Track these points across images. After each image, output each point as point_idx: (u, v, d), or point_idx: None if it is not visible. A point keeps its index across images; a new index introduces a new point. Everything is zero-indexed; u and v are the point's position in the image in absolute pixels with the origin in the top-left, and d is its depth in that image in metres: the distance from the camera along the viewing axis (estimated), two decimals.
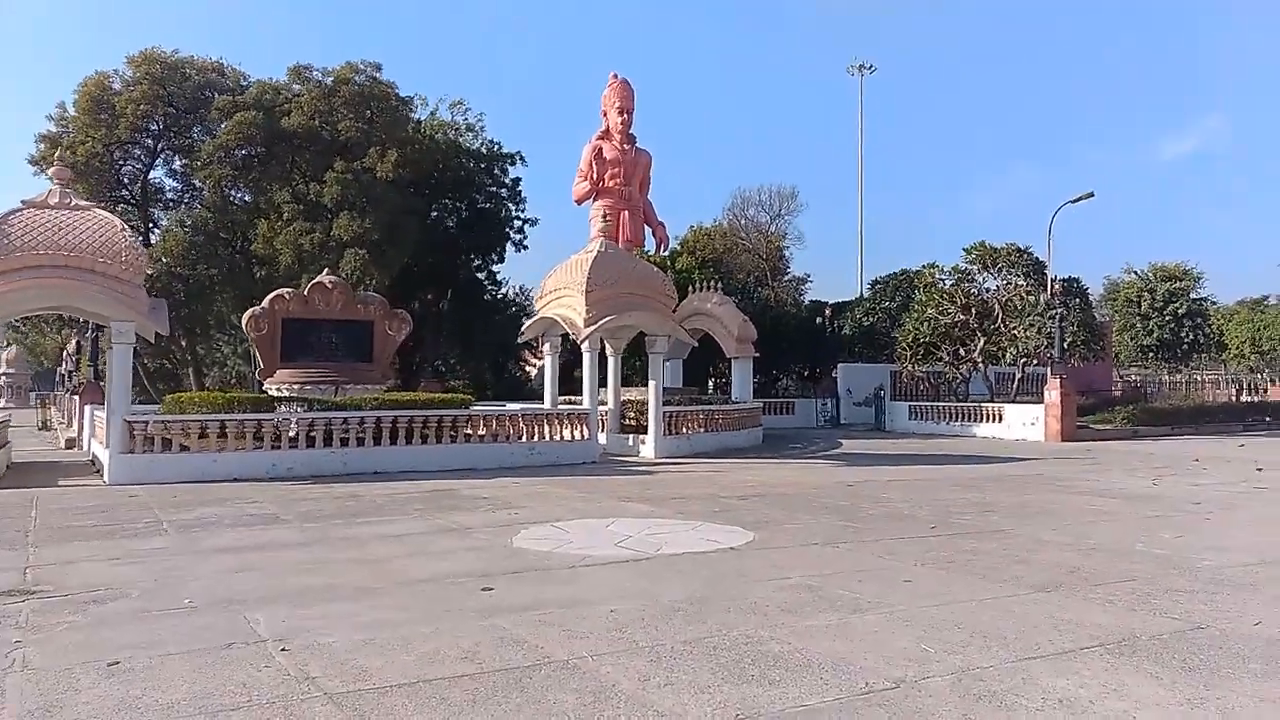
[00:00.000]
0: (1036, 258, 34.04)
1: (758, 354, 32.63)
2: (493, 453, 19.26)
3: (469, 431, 19.82)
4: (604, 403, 24.44)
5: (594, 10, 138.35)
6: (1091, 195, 32.75)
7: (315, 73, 32.76)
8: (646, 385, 35.43)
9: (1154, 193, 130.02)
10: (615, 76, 58.68)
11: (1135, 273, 60.17)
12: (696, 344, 33.07)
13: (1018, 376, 35.01)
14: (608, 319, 20.91)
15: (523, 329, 23.46)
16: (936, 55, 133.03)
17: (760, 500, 14.13)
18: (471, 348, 42.42)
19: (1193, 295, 58.82)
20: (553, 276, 22.58)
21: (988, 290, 34.87)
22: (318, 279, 22.70)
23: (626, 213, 57.44)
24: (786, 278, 53.17)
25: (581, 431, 20.79)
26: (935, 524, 11.78)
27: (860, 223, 58.15)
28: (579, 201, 59.58)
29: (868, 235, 60.54)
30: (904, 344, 36.12)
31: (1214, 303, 63.95)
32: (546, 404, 22.91)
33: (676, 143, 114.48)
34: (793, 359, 44.99)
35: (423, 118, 43.60)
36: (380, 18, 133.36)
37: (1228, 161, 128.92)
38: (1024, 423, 31.06)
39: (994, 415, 32.34)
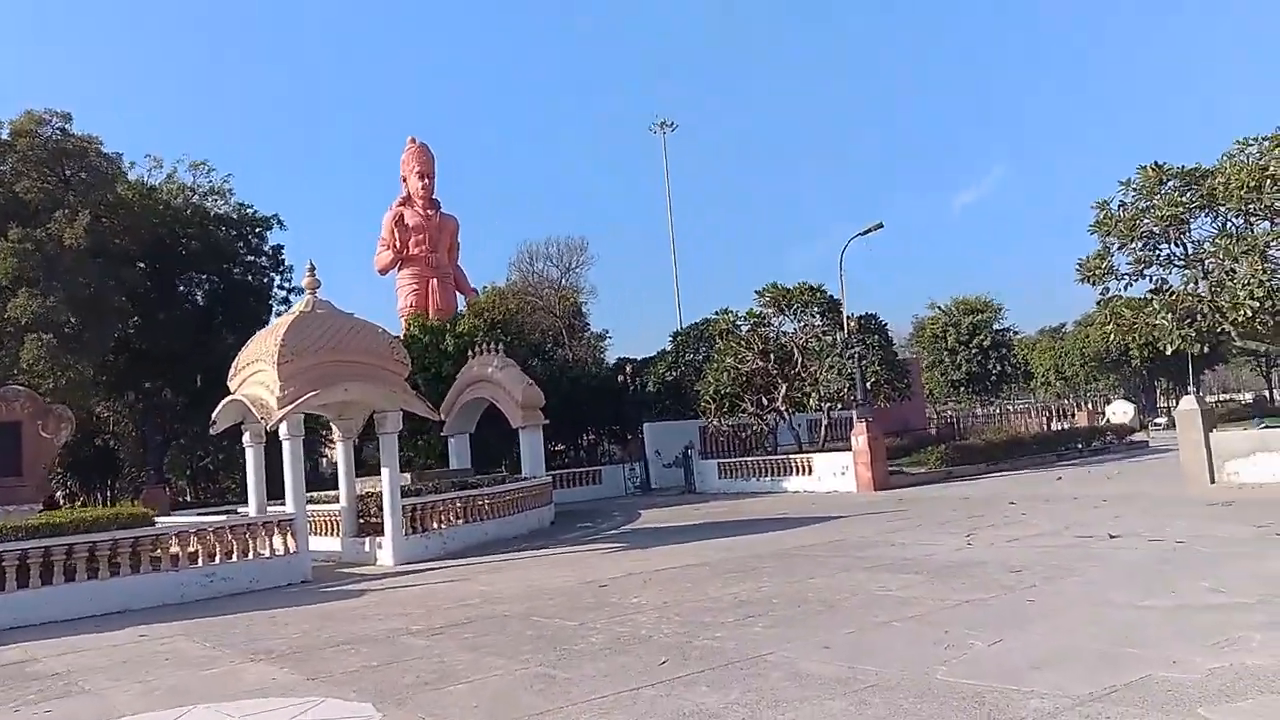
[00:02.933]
0: (831, 296, 31.95)
1: (548, 420, 28.94)
2: (155, 586, 14.63)
3: (156, 555, 15.17)
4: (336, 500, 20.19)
5: (373, 64, 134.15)
6: (880, 226, 31.04)
7: None
8: (424, 470, 31.54)
9: (950, 238, 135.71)
10: (414, 141, 54.80)
11: (939, 307, 60.14)
12: (450, 418, 29.25)
13: (824, 423, 32.67)
14: (307, 396, 16.70)
15: (212, 418, 18.91)
16: (739, 113, 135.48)
17: (461, 630, 10.29)
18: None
19: (996, 326, 59.17)
20: (246, 349, 18.29)
21: (785, 333, 32.52)
22: None
23: (435, 280, 53.36)
24: (585, 335, 49.96)
25: (286, 544, 16.40)
26: (670, 653, 8.25)
27: (675, 278, 55.74)
28: (383, 271, 54.99)
29: (679, 291, 58.86)
30: (706, 397, 33.26)
31: (1017, 333, 64.87)
32: (251, 510, 18.39)
33: (468, 204, 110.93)
34: (596, 422, 41.61)
35: (157, 181, 38.38)
36: (142, 68, 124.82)
37: (1014, 206, 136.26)
38: (834, 473, 28.49)
39: (804, 467, 29.71)
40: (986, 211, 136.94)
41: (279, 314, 38.45)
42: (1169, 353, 22.97)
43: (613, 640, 9.08)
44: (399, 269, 52.60)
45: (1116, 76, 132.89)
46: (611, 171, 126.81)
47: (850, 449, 28.05)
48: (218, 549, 15.57)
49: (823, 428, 33.37)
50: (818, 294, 31.73)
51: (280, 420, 16.49)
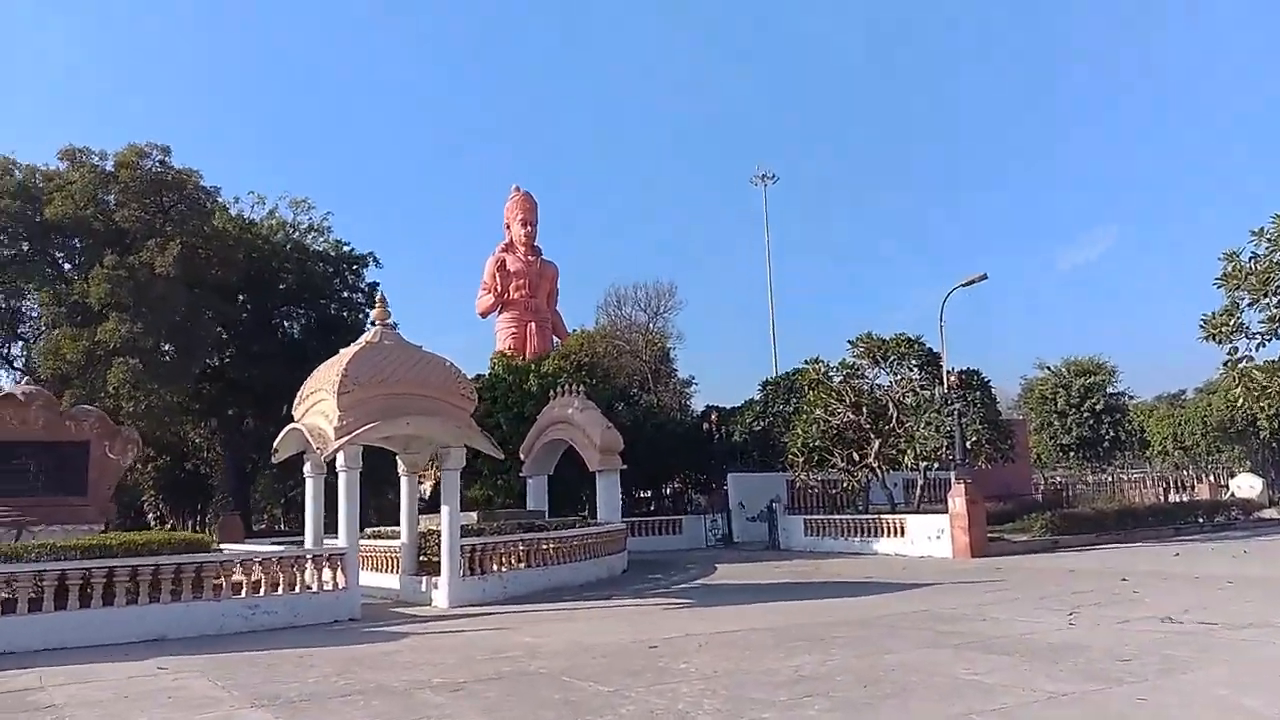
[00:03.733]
0: (930, 349, 30.23)
1: (625, 466, 27.95)
2: (193, 616, 14.07)
3: (218, 582, 14.71)
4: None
5: (476, 116, 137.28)
6: (984, 278, 29.31)
7: (93, 156, 28.08)
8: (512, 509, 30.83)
9: (1058, 300, 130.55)
10: (517, 189, 55.59)
11: (1048, 368, 57.35)
12: (518, 459, 28.44)
13: (920, 482, 30.83)
14: (367, 427, 16.09)
15: (274, 446, 18.51)
16: (840, 164, 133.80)
17: (486, 688, 9.31)
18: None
19: (1109, 390, 56.02)
20: (312, 377, 17.86)
21: (880, 386, 30.91)
22: (7, 390, 17.62)
23: (534, 325, 53.67)
24: (672, 381, 48.94)
25: (335, 579, 15.72)
26: None
27: (772, 327, 54.79)
28: (483, 315, 55.62)
29: (775, 340, 57.82)
30: (794, 449, 31.80)
31: (1132, 398, 61.33)
32: (308, 541, 17.86)
33: (567, 251, 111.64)
34: (680, 470, 40.43)
35: (259, 217, 39.24)
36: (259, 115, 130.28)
37: (1126, 266, 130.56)
38: (928, 536, 26.67)
39: (895, 529, 27.94)
40: (1098, 271, 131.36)
41: None
42: None
43: (644, 714, 7.95)
44: (499, 313, 53.23)
45: (1241, 122, 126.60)
46: (705, 218, 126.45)
47: (947, 511, 26.27)
48: (263, 581, 14.98)
49: (918, 488, 31.54)
50: (915, 346, 30.06)
51: (336, 451, 15.91)
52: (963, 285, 29.72)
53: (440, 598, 17.46)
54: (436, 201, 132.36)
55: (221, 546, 20.35)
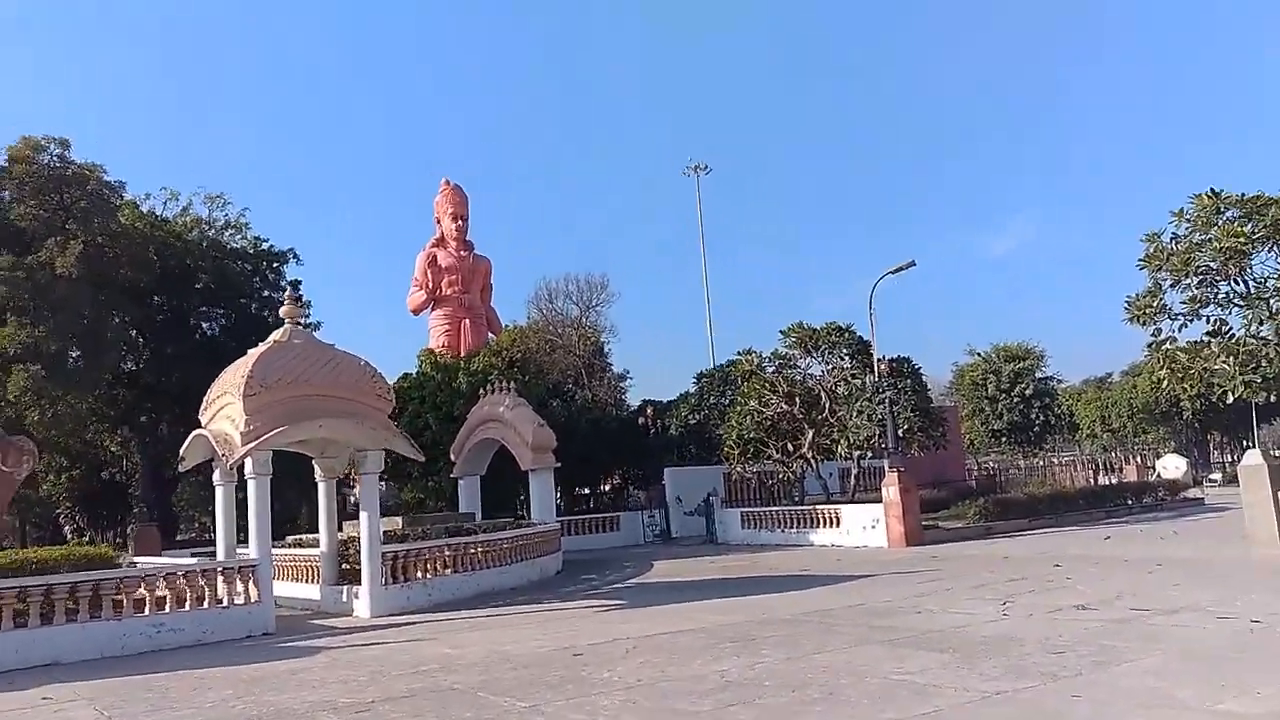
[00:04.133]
0: (861, 338, 30.15)
1: (559, 464, 27.37)
2: (91, 637, 13.19)
3: (118, 599, 13.78)
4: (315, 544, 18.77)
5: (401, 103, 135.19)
6: (913, 264, 29.26)
7: None
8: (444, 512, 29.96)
9: (988, 285, 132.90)
10: (448, 182, 54.35)
11: (978, 354, 57.97)
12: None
13: (854, 471, 30.76)
14: (275, 432, 15.30)
15: (180, 454, 17.59)
16: (768, 155, 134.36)
17: (393, 709, 8.72)
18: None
19: (1038, 375, 56.81)
20: (218, 380, 16.97)
21: (812, 376, 30.75)
22: None
23: (468, 321, 52.48)
24: (606, 375, 48.39)
25: (247, 591, 14.91)
26: None
27: (709, 319, 54.71)
28: (415, 312, 54.27)
29: (711, 333, 57.50)
30: (729, 442, 31.50)
31: (1060, 382, 62.33)
32: (220, 553, 17.00)
33: (495, 241, 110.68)
34: (617, 466, 39.96)
35: (172, 214, 37.77)
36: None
37: (1048, 255, 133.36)
38: (863, 526, 26.55)
39: (831, 519, 27.78)
40: (1024, 257, 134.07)
41: None
42: (1229, 401, 20.99)
43: None
44: (431, 310, 52.19)
45: (1163, 107, 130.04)
46: (636, 211, 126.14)
47: (881, 500, 26.18)
48: (168, 597, 14.13)
49: (852, 477, 31.50)
50: (846, 334, 29.96)
51: (243, 457, 15.10)
52: (891, 272, 29.65)
53: (362, 608, 16.74)
54: (363, 197, 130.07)
55: (135, 560, 19.39)
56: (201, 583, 14.47)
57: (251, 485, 15.56)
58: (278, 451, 18.70)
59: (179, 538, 37.09)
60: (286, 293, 17.75)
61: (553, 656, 11.17)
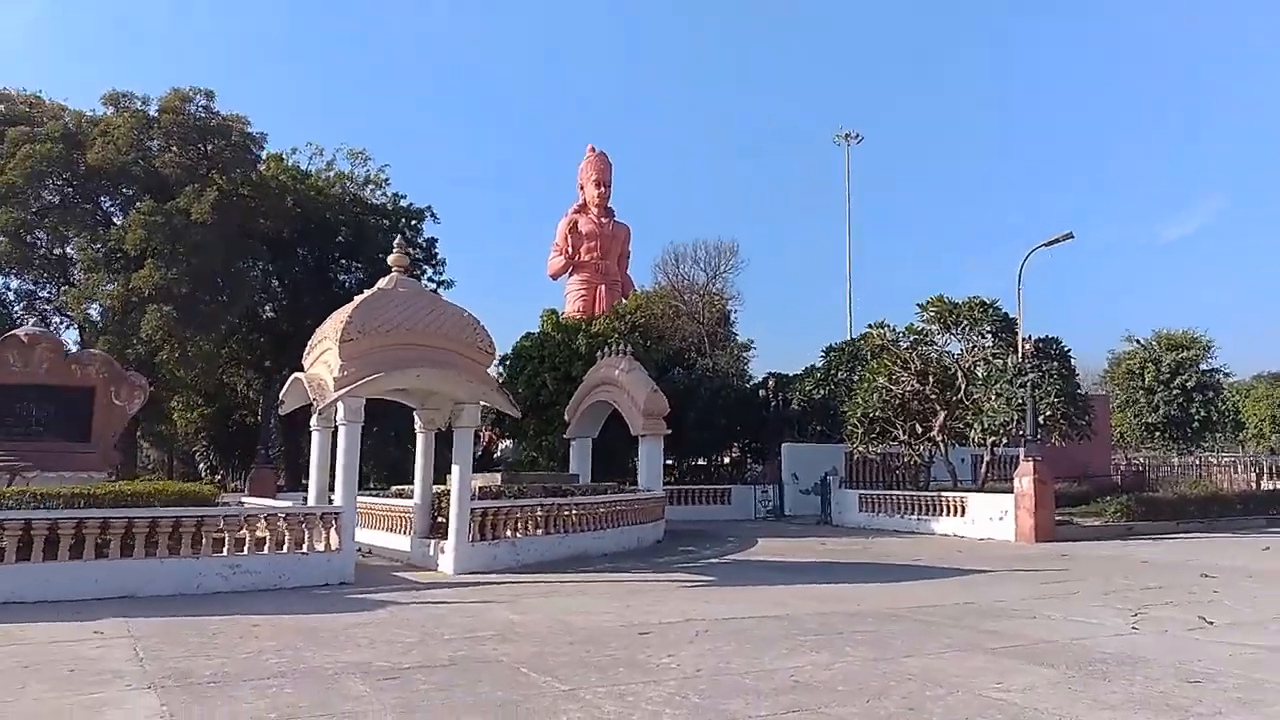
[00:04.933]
0: (1006, 314, 28.02)
1: (670, 431, 26.55)
2: (168, 572, 13.14)
3: (218, 536, 13.85)
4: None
5: (559, 76, 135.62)
6: (1070, 236, 26.98)
7: (136, 101, 27.43)
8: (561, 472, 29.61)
9: (1160, 272, 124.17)
10: (593, 150, 54.39)
11: (1137, 341, 53.78)
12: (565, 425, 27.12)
13: (986, 459, 28.79)
14: (369, 378, 14.92)
15: (280, 398, 17.57)
16: (931, 130, 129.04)
17: (425, 678, 8.05)
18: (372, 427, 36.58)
19: (1203, 367, 52.37)
20: (321, 327, 16.77)
21: (949, 354, 28.82)
22: (11, 332, 16.93)
23: (603, 287, 52.61)
24: (730, 344, 47.14)
25: (329, 539, 14.69)
26: None
27: (849, 291, 53.16)
28: (554, 276, 54.74)
29: (851, 306, 55.72)
30: (853, 419, 29.97)
31: (1227, 375, 57.30)
32: (311, 499, 16.92)
33: (638, 210, 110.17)
34: (736, 438, 38.86)
35: (316, 168, 38.57)
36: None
37: (1231, 240, 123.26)
38: (990, 517, 24.78)
39: (956, 508, 26.08)
40: (1203, 243, 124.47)
41: None
42: None
43: None
44: (569, 275, 52.51)
45: None
46: (774, 179, 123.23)
47: (1012, 491, 24.33)
48: (248, 539, 14.02)
49: (984, 464, 29.53)
50: (990, 310, 27.82)
51: (333, 403, 14.83)
52: (1045, 245, 27.43)
53: (446, 563, 16.36)
54: (507, 161, 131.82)
55: (244, 501, 19.67)
56: (283, 526, 14.29)
57: (342, 431, 15.28)
58: (393, 403, 18.67)
59: (304, 481, 38.17)
60: (395, 242, 17.39)
61: (617, 633, 10.36)
